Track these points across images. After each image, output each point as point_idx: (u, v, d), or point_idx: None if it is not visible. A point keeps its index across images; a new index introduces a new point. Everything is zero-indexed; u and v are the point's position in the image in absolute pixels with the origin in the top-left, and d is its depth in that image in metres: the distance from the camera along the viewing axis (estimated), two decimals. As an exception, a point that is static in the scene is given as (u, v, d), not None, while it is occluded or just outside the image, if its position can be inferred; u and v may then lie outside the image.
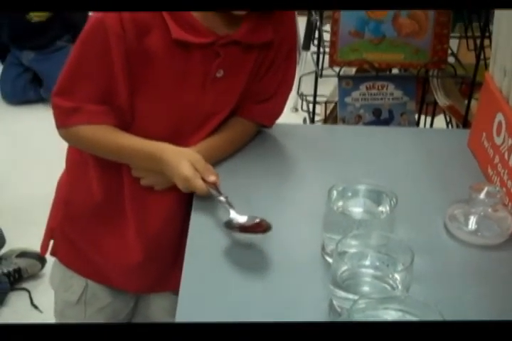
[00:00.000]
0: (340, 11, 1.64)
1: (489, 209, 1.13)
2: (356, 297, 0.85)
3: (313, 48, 1.87)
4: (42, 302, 2.18)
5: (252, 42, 1.23)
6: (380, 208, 1.07)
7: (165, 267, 1.38)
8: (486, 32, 1.64)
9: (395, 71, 1.90)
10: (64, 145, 1.37)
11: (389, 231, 1.02)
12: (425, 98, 1.83)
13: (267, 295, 1.02)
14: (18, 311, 2.19)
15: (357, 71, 1.85)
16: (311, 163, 1.35)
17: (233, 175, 1.27)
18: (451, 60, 1.74)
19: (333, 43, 1.67)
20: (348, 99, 1.74)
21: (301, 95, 2.03)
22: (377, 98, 1.74)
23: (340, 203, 1.07)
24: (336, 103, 1.81)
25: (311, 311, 0.99)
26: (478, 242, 1.13)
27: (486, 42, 1.63)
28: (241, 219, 1.11)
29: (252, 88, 1.30)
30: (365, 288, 0.95)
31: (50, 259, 1.51)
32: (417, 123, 1.86)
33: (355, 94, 1.74)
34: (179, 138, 1.25)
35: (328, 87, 2.08)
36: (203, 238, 1.14)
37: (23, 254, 2.30)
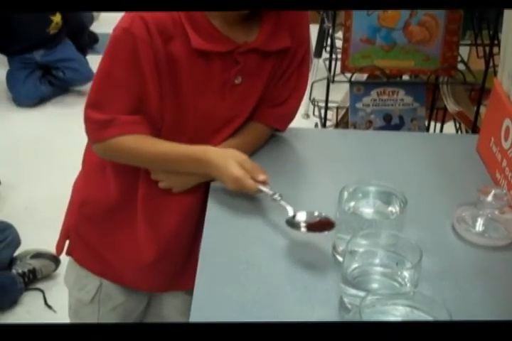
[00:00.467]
0: (352, 18, 1.67)
1: (496, 212, 1.16)
2: (366, 294, 0.88)
3: (325, 55, 1.91)
4: (56, 302, 2.21)
5: (270, 50, 1.26)
6: (390, 209, 1.10)
7: (178, 266, 1.41)
8: (495, 40, 1.67)
9: (405, 77, 1.93)
10: (78, 147, 1.38)
11: (398, 231, 1.04)
12: (435, 104, 1.85)
13: (280, 292, 1.05)
14: (32, 311, 2.22)
15: (368, 77, 1.88)
16: (322, 166, 1.38)
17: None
18: (460, 66, 1.76)
19: (345, 50, 1.70)
20: (359, 105, 1.77)
21: (312, 101, 2.06)
22: (388, 104, 1.77)
23: (352, 204, 1.10)
24: (347, 108, 1.84)
25: (322, 308, 1.02)
26: (485, 243, 1.15)
27: (495, 49, 1.66)
28: (301, 216, 1.11)
29: (266, 93, 1.33)
30: (375, 285, 0.98)
31: (64, 260, 1.52)
32: (427, 129, 1.88)
33: (366, 99, 1.77)
34: (199, 143, 1.27)
35: (340, 94, 2.11)
36: (218, 237, 1.17)
37: (38, 255, 2.33)
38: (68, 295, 1.54)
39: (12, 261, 2.31)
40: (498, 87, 1.34)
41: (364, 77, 1.89)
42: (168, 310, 1.54)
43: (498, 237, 1.16)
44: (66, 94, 3.66)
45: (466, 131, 1.83)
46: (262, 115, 1.36)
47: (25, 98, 3.50)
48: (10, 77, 3.57)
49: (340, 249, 1.09)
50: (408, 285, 0.94)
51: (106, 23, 3.95)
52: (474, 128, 1.72)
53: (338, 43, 1.75)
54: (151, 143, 1.25)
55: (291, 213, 1.12)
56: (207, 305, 1.02)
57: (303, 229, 1.10)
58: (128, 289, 1.47)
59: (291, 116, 1.42)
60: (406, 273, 0.95)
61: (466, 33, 1.82)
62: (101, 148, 1.28)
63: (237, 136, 1.34)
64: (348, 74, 1.74)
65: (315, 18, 2.53)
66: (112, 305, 1.48)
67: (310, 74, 1.43)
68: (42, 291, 2.28)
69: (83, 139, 1.32)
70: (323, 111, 1.88)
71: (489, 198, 1.15)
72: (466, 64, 1.79)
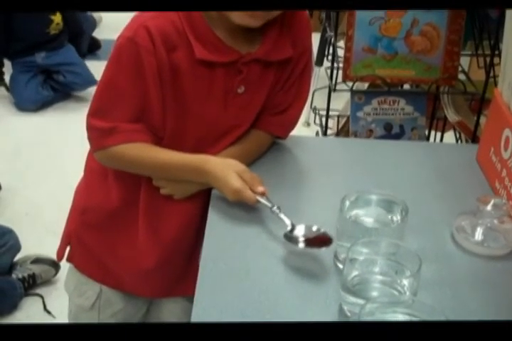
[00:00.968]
0: (354, 27, 1.68)
1: (495, 221, 1.16)
2: (365, 302, 0.89)
3: (326, 64, 1.92)
4: (55, 307, 2.22)
5: (273, 60, 1.27)
6: (391, 217, 1.11)
7: (178, 273, 1.41)
8: (495, 50, 1.68)
9: (406, 87, 1.94)
10: (79, 153, 1.38)
11: (399, 239, 1.05)
12: (435, 114, 1.87)
13: (280, 299, 1.05)
14: (31, 316, 2.22)
15: (369, 86, 1.89)
16: (323, 174, 1.39)
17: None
18: (461, 77, 1.77)
19: (346, 59, 1.71)
20: (360, 114, 1.78)
21: (314, 109, 2.07)
22: (389, 113, 1.78)
23: (353, 212, 1.11)
24: (348, 117, 1.85)
25: (322, 315, 1.02)
26: (484, 253, 1.16)
27: (496, 60, 1.67)
28: (300, 230, 1.10)
29: (268, 101, 1.34)
30: (374, 293, 0.99)
31: (64, 266, 1.53)
32: (427, 138, 1.89)
33: (367, 108, 1.78)
34: (200, 151, 1.28)
35: (341, 102, 2.12)
36: (218, 244, 1.17)
37: (38, 260, 2.33)
38: (68, 301, 1.54)
39: (12, 266, 2.32)
40: (498, 97, 1.36)
41: (365, 86, 1.91)
42: (168, 316, 1.54)
43: (497, 247, 1.16)
44: (68, 99, 3.67)
45: (466, 141, 1.84)
46: (264, 123, 1.37)
47: (27, 102, 3.51)
48: (12, 82, 3.59)
49: (342, 256, 1.09)
50: (407, 293, 0.95)
51: (108, 28, 3.99)
52: (474, 138, 1.73)
53: (340, 52, 1.77)
54: (152, 152, 1.25)
55: (289, 227, 1.12)
56: (207, 311, 1.02)
57: (300, 245, 1.10)
58: (128, 295, 1.47)
59: (293, 124, 1.43)
60: (405, 282, 0.96)
61: (466, 43, 1.84)
62: (103, 156, 1.29)
63: (239, 144, 1.34)
64: (350, 83, 1.75)
65: (317, 27, 2.55)
66: (112, 312, 1.49)
67: (311, 83, 1.44)
68: (41, 296, 2.28)
69: (84, 145, 1.32)
70: (324, 120, 1.90)
71: (489, 207, 1.16)
72: (466, 74, 1.80)
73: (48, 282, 2.34)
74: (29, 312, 2.24)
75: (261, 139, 1.39)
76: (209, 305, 1.04)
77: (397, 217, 1.10)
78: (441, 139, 1.94)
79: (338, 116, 1.96)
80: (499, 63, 1.48)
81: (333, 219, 1.11)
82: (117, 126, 1.23)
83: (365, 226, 1.09)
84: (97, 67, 3.64)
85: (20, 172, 2.98)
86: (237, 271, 1.10)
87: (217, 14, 1.20)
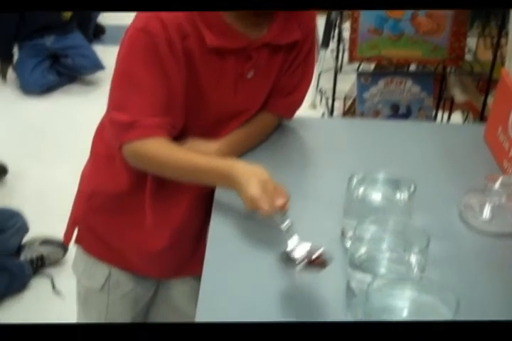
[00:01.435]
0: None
1: (503, 199, 1.17)
2: (373, 278, 0.90)
3: (331, 46, 1.92)
4: (64, 288, 2.23)
5: (281, 44, 1.28)
6: (398, 196, 1.11)
7: (187, 253, 1.42)
8: (503, 30, 1.67)
9: (412, 68, 1.93)
10: (85, 135, 1.38)
11: (406, 218, 1.06)
12: (443, 94, 1.86)
13: (286, 278, 1.06)
14: (40, 297, 2.24)
15: (375, 67, 1.89)
16: (330, 155, 1.39)
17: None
18: (468, 57, 1.77)
19: (352, 40, 1.71)
20: (366, 95, 1.78)
21: (320, 91, 2.07)
22: (395, 94, 1.78)
23: (360, 190, 1.11)
24: (354, 98, 1.85)
25: (329, 292, 1.03)
26: (491, 230, 1.17)
27: (503, 40, 1.66)
28: (298, 252, 1.02)
29: (274, 84, 1.34)
30: (382, 270, 0.99)
31: (72, 247, 1.53)
32: (434, 119, 1.89)
33: (374, 89, 1.78)
34: (208, 134, 1.28)
35: (347, 84, 2.11)
36: (225, 225, 1.18)
37: (46, 242, 2.35)
38: (76, 283, 1.54)
39: (20, 248, 2.33)
40: (505, 77, 1.35)
41: (371, 67, 1.90)
42: (177, 295, 1.55)
43: (504, 224, 1.17)
44: (73, 83, 3.67)
45: (474, 121, 1.84)
46: (270, 105, 1.38)
47: (33, 86, 3.52)
48: (19, 65, 3.59)
49: (349, 235, 1.10)
50: (415, 270, 0.95)
51: (113, 14, 3.98)
52: (482, 118, 1.73)
53: (345, 34, 1.76)
54: (180, 153, 1.22)
55: (289, 248, 1.04)
56: (214, 290, 1.04)
57: (293, 264, 1.01)
58: (137, 276, 1.48)
59: (298, 105, 1.43)
60: (413, 259, 0.96)
61: (474, 24, 1.83)
62: (129, 153, 1.24)
63: (244, 127, 1.35)
64: (356, 65, 1.75)
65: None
66: (121, 293, 1.49)
67: (317, 65, 1.44)
68: (50, 277, 2.30)
69: (90, 128, 1.31)
70: (330, 102, 1.90)
71: (497, 186, 1.16)
72: (474, 54, 1.80)
73: (56, 263, 2.35)
74: (38, 293, 2.25)
75: (267, 120, 1.40)
76: (216, 284, 1.05)
77: (404, 196, 1.10)
78: (449, 119, 1.94)
79: (345, 98, 1.96)
80: (506, 43, 1.47)
81: (340, 198, 1.12)
82: (138, 120, 1.20)
83: (372, 204, 1.09)
84: (102, 52, 3.66)
85: (27, 155, 2.98)
86: (244, 250, 1.11)
87: None
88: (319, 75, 2.14)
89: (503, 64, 1.59)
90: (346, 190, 1.10)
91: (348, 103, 1.94)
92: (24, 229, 2.34)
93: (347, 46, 1.73)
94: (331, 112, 1.89)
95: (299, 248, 1.03)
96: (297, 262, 1.00)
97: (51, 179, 2.80)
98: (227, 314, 1.00)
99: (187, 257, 1.43)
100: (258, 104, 1.34)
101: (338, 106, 2.00)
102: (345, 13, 1.78)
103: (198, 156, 1.21)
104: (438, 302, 0.87)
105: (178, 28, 1.18)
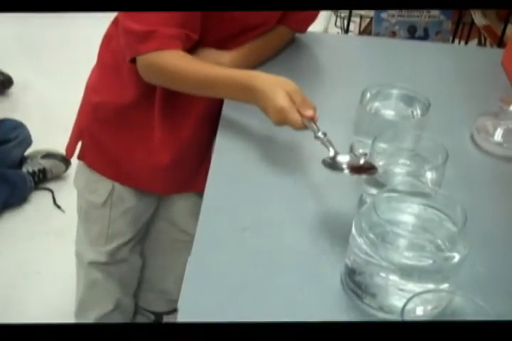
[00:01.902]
0: None
1: (517, 122, 1.14)
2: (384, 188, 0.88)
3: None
4: (64, 202, 2.23)
5: None
6: (412, 111, 1.08)
7: (191, 170, 1.41)
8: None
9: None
10: (91, 48, 1.33)
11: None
12: (462, 18, 1.81)
13: (301, 182, 1.05)
14: (40, 210, 2.25)
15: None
16: (343, 71, 1.36)
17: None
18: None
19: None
20: (384, 15, 1.72)
21: (335, 11, 2.01)
22: (414, 15, 1.72)
23: (373, 105, 1.08)
24: (371, 18, 1.80)
25: (341, 205, 1.02)
26: (503, 153, 1.14)
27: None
28: (343, 158, 0.98)
29: None
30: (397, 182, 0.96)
31: (74, 161, 1.50)
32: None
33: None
34: (223, 46, 1.26)
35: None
36: (231, 142, 1.16)
37: (49, 155, 2.33)
38: (77, 197, 1.53)
39: (23, 160, 2.32)
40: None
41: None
42: (178, 210, 1.55)
43: (516, 148, 1.14)
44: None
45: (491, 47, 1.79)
46: (284, 18, 1.35)
47: None
48: None
49: (360, 151, 1.07)
50: (430, 185, 0.92)
51: None
52: (500, 44, 1.68)
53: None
54: (197, 65, 1.16)
55: (331, 153, 0.99)
56: (217, 204, 1.02)
57: (341, 170, 0.97)
58: (140, 192, 1.47)
59: (313, 19, 1.41)
60: (429, 174, 0.93)
61: None
62: (144, 65, 1.18)
63: (259, 38, 1.32)
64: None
65: None
66: (124, 208, 1.48)
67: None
68: (51, 191, 2.30)
69: (97, 38, 1.26)
70: (345, 22, 1.84)
71: (511, 108, 1.13)
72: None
73: (58, 177, 2.35)
74: (39, 206, 2.26)
75: (281, 34, 1.37)
76: (219, 200, 1.03)
77: (417, 112, 1.07)
78: (466, 44, 1.89)
79: (361, 17, 1.90)
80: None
81: (352, 113, 1.09)
82: (156, 30, 1.13)
83: (384, 118, 1.06)
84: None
85: (32, 67, 2.94)
86: (248, 168, 1.09)
87: None
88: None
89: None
90: (358, 104, 1.06)
91: (364, 23, 1.88)
92: (27, 141, 2.33)
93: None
94: (346, 31, 1.84)
95: (342, 156, 0.98)
96: (344, 166, 0.96)
97: (56, 91, 2.76)
98: (227, 229, 0.98)
99: (191, 174, 1.41)
100: (275, 17, 1.32)
101: (353, 28, 1.95)
102: None
103: (218, 68, 1.15)
104: (444, 217, 0.85)
105: None
